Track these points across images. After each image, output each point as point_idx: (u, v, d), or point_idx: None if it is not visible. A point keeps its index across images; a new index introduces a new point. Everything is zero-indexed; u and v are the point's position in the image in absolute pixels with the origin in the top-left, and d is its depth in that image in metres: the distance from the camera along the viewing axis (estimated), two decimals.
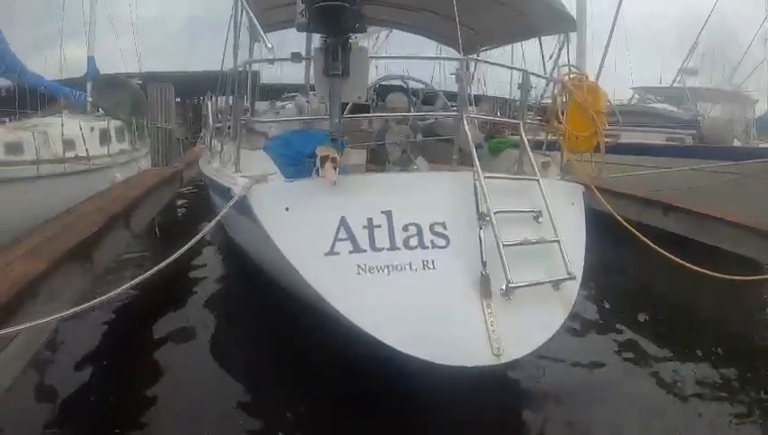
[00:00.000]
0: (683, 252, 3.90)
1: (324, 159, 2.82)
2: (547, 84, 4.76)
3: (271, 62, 3.47)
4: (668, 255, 3.74)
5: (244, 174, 3.29)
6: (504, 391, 3.02)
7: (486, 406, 2.65)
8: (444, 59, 6.69)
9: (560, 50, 5.00)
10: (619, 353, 3.92)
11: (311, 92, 5.47)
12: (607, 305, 4.89)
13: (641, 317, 4.62)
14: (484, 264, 2.58)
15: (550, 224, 2.97)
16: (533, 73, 4.15)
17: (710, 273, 3.70)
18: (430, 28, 6.85)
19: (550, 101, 4.28)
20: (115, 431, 2.77)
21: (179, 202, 8.89)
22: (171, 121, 7.82)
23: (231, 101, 4.75)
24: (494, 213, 2.73)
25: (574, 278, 2.84)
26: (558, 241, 2.91)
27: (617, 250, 4.67)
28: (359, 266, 2.59)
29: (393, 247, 2.68)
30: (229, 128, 4.56)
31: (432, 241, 2.72)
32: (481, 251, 2.61)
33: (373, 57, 4.42)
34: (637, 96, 12.79)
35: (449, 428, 2.64)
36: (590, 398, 3.25)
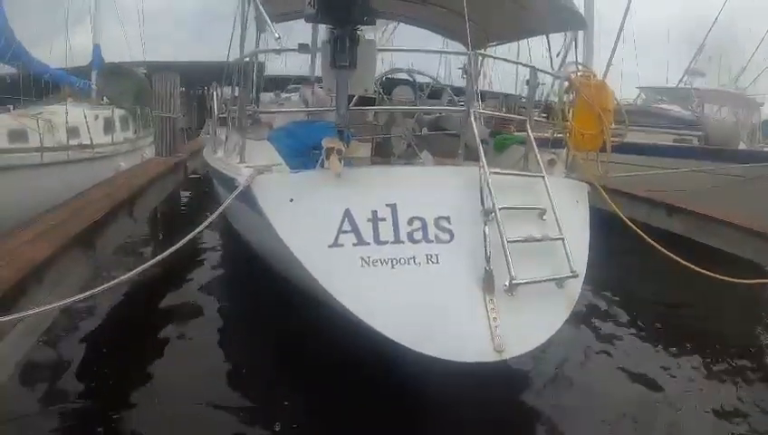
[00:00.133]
0: (687, 253, 3.89)
1: (330, 151, 2.80)
2: (554, 81, 4.73)
3: (278, 52, 3.46)
4: (672, 255, 3.72)
5: (249, 164, 3.28)
6: (505, 387, 3.02)
7: (487, 401, 2.65)
8: (452, 53, 6.62)
9: (567, 48, 4.96)
10: (620, 352, 3.92)
11: (316, 84, 5.46)
12: (607, 305, 4.88)
13: (641, 317, 4.61)
14: (488, 259, 2.57)
15: (554, 221, 2.96)
16: (542, 70, 4.13)
17: (713, 275, 3.68)
18: (438, 23, 6.81)
19: (556, 98, 4.26)
20: (115, 417, 2.78)
21: (183, 192, 8.88)
22: (176, 111, 7.80)
23: (236, 92, 4.74)
24: (499, 209, 2.71)
25: (577, 276, 2.83)
26: (562, 239, 2.90)
27: (620, 249, 4.65)
28: (362, 259, 2.58)
29: (397, 241, 2.67)
30: (234, 118, 4.55)
31: (436, 235, 2.70)
32: (485, 247, 2.60)
33: (381, 49, 4.38)
34: (643, 96, 12.74)
35: (448, 420, 2.64)
36: (589, 397, 3.26)
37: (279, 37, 3.18)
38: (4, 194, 5.92)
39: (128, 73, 12.14)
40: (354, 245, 2.63)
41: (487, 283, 2.55)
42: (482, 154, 2.93)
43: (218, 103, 5.84)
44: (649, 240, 3.87)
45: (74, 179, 6.06)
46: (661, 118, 9.38)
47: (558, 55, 5.04)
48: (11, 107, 9.17)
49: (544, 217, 3.00)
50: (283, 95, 8.73)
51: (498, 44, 6.75)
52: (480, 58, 5.57)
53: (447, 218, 2.76)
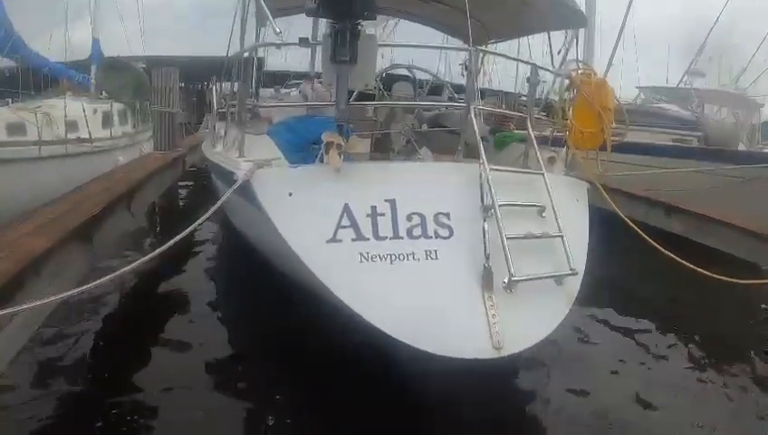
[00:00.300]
0: (685, 252, 3.89)
1: (329, 146, 2.80)
2: (555, 79, 4.73)
3: (278, 46, 3.45)
4: (670, 254, 3.73)
5: (248, 159, 3.27)
6: (504, 384, 3.02)
7: (485, 398, 2.66)
8: (453, 49, 6.60)
9: (568, 45, 4.96)
10: (617, 350, 3.93)
11: (316, 80, 5.45)
12: (605, 303, 4.88)
13: (642, 317, 4.62)
14: (487, 256, 2.56)
15: (554, 219, 2.95)
16: (542, 67, 4.12)
17: (711, 274, 3.69)
18: (439, 19, 6.79)
19: (557, 96, 4.26)
20: (113, 409, 2.78)
21: (181, 186, 8.88)
22: (175, 106, 7.77)
23: (236, 87, 4.73)
24: (499, 206, 2.71)
25: (576, 274, 2.83)
26: (561, 236, 2.89)
27: (618, 247, 4.65)
28: (361, 254, 2.57)
29: (396, 236, 2.66)
30: (233, 113, 4.54)
31: (436, 231, 2.70)
32: (484, 243, 2.59)
33: (382, 45, 4.36)
34: (642, 95, 12.75)
35: (446, 417, 2.64)
36: (587, 395, 3.26)
37: (280, 32, 3.17)
38: (3, 187, 5.90)
39: (127, 68, 12.11)
40: (353, 240, 2.62)
41: (486, 279, 2.54)
42: (482, 151, 2.93)
43: (218, 98, 5.83)
44: (648, 239, 3.88)
45: (72, 173, 6.05)
46: (661, 118, 9.39)
47: (559, 53, 5.04)
48: (9, 100, 9.12)
49: (544, 215, 3.00)
50: (283, 91, 8.73)
51: (499, 42, 6.74)
52: (481, 55, 5.57)
53: (447, 214, 2.75)
